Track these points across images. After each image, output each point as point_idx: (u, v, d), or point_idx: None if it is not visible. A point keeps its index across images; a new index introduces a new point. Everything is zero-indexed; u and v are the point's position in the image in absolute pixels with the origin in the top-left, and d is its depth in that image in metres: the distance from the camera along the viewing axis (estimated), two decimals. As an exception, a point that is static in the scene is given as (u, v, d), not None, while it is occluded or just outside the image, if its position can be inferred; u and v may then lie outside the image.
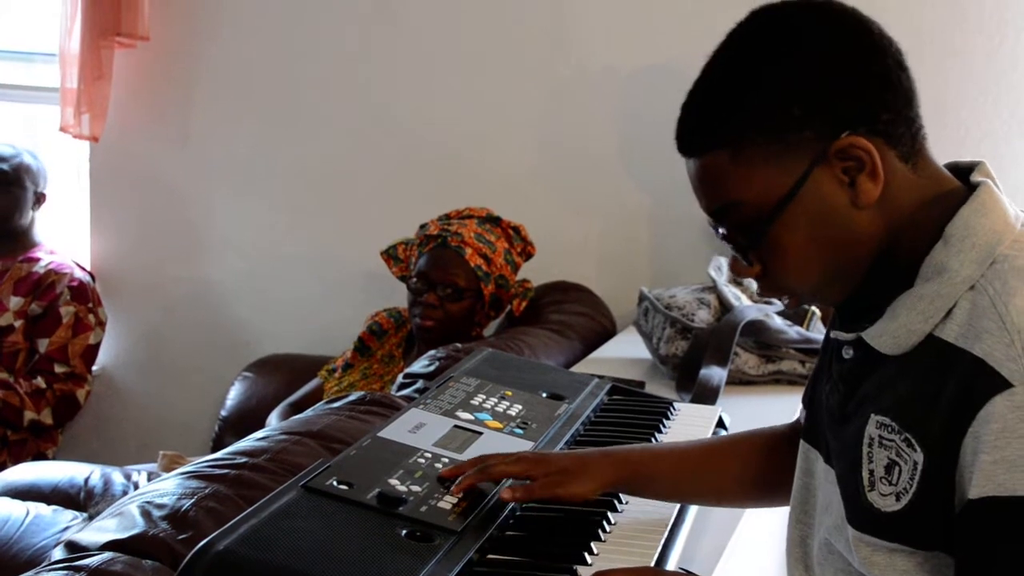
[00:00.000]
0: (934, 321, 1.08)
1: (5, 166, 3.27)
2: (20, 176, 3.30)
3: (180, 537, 1.34)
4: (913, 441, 1.06)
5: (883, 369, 1.12)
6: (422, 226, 2.80)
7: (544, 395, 1.77)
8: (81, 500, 2.55)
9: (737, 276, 1.19)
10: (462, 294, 2.68)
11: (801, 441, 1.28)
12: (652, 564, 1.32)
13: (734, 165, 1.12)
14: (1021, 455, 0.98)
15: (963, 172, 1.16)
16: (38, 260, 3.33)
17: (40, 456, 3.25)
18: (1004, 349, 1.01)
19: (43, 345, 3.25)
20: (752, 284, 2.54)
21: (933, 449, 1.04)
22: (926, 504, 1.05)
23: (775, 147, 1.11)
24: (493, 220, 2.79)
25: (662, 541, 1.37)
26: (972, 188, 1.13)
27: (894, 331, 1.10)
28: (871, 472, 1.10)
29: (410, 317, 2.76)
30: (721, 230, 1.17)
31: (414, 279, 2.72)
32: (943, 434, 1.03)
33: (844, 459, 1.16)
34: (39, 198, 3.37)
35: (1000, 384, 1.00)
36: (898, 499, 1.07)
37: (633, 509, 1.46)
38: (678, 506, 1.50)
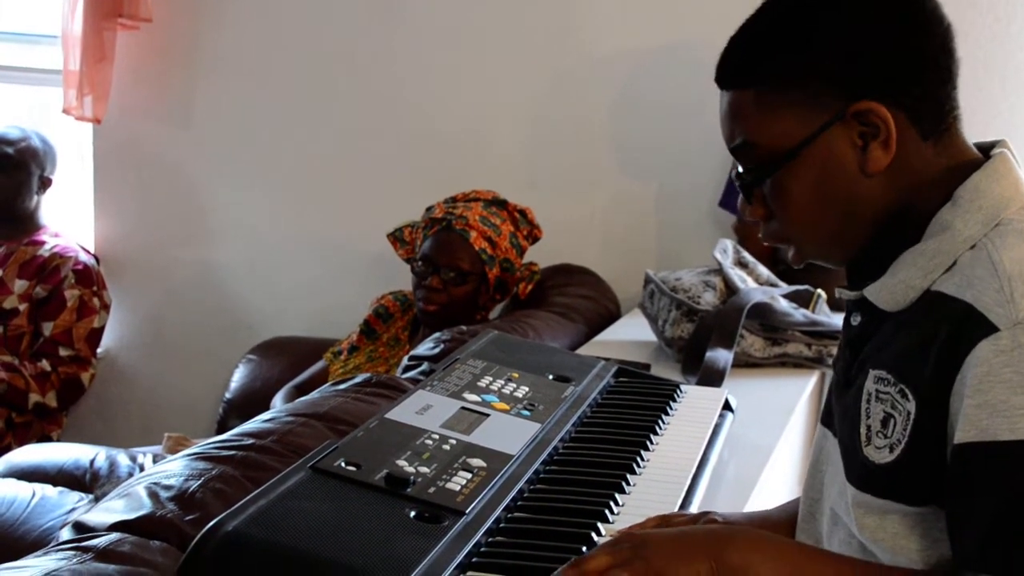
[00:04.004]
0: (933, 277, 1.09)
1: (10, 150, 3.26)
2: (25, 160, 3.28)
3: (188, 518, 1.34)
4: (907, 391, 1.06)
5: (884, 329, 1.14)
6: (428, 209, 2.79)
7: (551, 377, 1.76)
8: (87, 482, 2.55)
9: (742, 217, 1.22)
10: (466, 278, 2.67)
11: (818, 425, 1.29)
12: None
13: (758, 106, 1.15)
14: (1003, 400, 0.98)
15: (986, 151, 1.17)
16: (43, 243, 3.33)
17: (45, 438, 3.26)
18: (994, 294, 1.02)
19: (48, 328, 3.25)
20: (758, 267, 2.53)
21: (925, 397, 1.04)
22: (917, 454, 1.05)
23: (799, 97, 1.13)
24: (499, 203, 2.77)
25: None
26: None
27: (892, 286, 1.12)
28: (868, 427, 1.11)
29: (414, 300, 2.76)
30: (739, 168, 1.20)
31: (418, 262, 2.70)
32: (933, 381, 1.04)
33: (845, 421, 1.16)
34: (44, 182, 3.36)
35: (987, 329, 1.00)
36: (891, 451, 1.08)
37: (640, 492, 1.46)
38: (685, 488, 1.50)
